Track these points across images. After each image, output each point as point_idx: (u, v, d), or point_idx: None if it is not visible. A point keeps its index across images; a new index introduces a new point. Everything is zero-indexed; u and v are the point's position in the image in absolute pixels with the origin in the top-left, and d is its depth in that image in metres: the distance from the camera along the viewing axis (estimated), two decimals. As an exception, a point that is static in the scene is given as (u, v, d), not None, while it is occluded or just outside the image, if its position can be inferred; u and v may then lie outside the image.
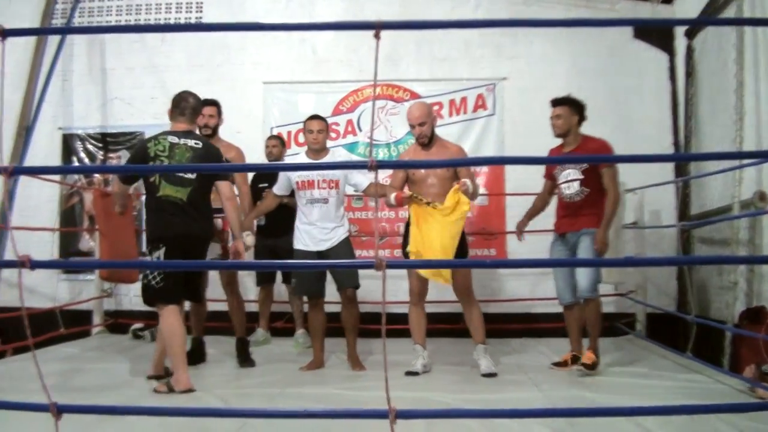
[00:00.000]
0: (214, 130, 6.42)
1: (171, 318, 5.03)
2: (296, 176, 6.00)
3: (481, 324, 5.88)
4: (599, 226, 5.67)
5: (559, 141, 5.96)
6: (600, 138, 5.82)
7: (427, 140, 5.82)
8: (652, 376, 5.56)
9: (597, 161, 5.69)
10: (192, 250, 5.18)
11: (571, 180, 5.80)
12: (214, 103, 6.46)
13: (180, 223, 5.11)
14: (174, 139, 5.21)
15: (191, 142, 5.24)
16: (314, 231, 5.95)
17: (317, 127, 6.01)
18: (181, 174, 5.12)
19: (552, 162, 6.13)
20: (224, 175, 5.36)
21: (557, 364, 6.02)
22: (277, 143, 7.67)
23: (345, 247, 6.01)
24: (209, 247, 5.88)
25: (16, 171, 2.76)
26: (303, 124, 6.13)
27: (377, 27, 2.45)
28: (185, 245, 5.13)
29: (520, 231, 6.30)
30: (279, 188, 6.24)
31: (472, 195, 5.65)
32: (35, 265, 2.71)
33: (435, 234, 5.55)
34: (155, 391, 5.00)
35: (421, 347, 5.91)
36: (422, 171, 5.85)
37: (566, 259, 5.76)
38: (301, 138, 8.69)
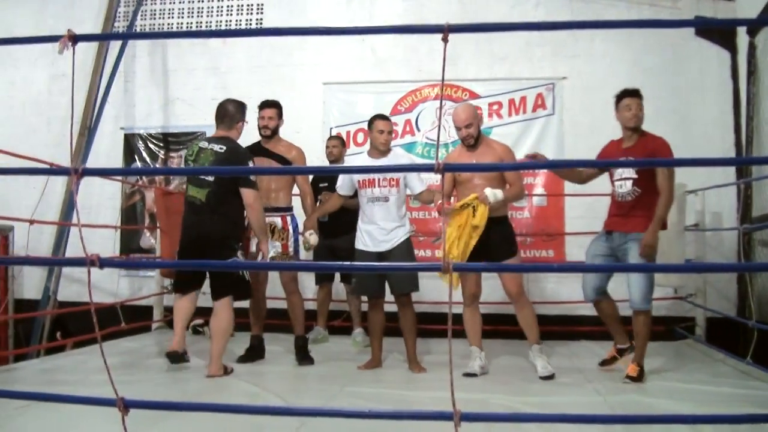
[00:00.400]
0: (274, 131, 6.40)
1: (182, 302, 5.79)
2: (358, 175, 6.03)
3: (534, 324, 5.84)
4: None
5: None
6: (660, 137, 5.65)
7: (473, 141, 5.82)
8: (711, 382, 5.44)
9: (654, 165, 5.55)
10: (203, 248, 5.45)
11: (624, 178, 5.63)
12: (274, 105, 6.44)
13: (194, 222, 5.58)
14: (204, 144, 5.69)
15: (216, 147, 5.59)
16: (374, 231, 5.94)
17: (388, 128, 6.05)
18: (201, 176, 5.54)
19: (597, 165, 5.93)
20: (246, 182, 5.54)
21: (604, 363, 5.96)
22: (337, 143, 7.71)
23: (405, 249, 5.98)
24: (270, 245, 6.01)
25: (84, 172, 2.82)
26: (369, 123, 6.11)
27: (445, 30, 2.46)
28: (197, 243, 5.52)
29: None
30: (342, 188, 6.23)
31: (508, 200, 5.72)
32: (104, 264, 2.76)
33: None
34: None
35: (477, 349, 5.89)
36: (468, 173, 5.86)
37: (628, 264, 5.57)
38: (360, 138, 8.75)
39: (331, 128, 9.02)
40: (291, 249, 6.30)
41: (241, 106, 5.88)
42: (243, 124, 5.96)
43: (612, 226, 5.73)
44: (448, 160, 6.32)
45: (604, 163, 6.04)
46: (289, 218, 6.35)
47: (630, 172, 5.61)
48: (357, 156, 8.11)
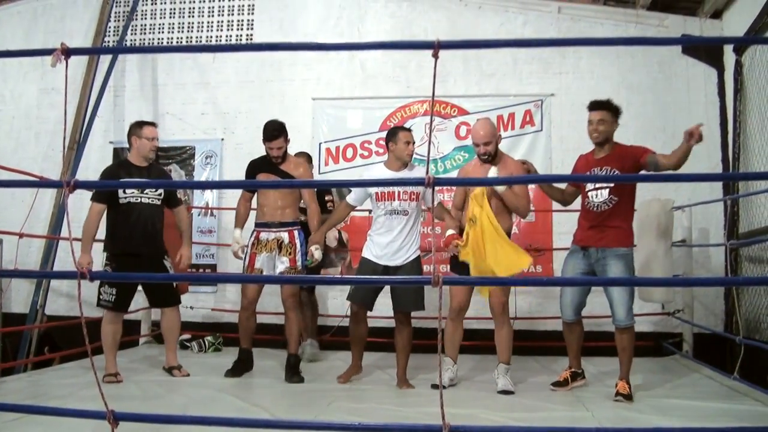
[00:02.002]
0: (283, 158, 6.30)
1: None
2: (375, 188, 5.97)
3: (509, 345, 5.83)
4: (628, 245, 5.52)
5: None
6: (632, 145, 5.62)
7: (489, 158, 5.79)
8: (699, 397, 5.45)
9: (638, 180, 5.52)
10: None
11: (599, 188, 5.53)
12: (280, 134, 6.23)
13: None
14: None
15: None
16: (388, 244, 5.89)
17: (413, 139, 6.02)
18: None
19: (591, 180, 5.69)
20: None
21: (557, 384, 5.84)
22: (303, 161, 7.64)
23: (416, 267, 5.97)
24: (277, 260, 6.19)
25: (77, 185, 2.83)
26: (391, 136, 6.03)
27: (436, 46, 2.49)
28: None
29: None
30: (354, 199, 6.16)
31: (510, 202, 5.73)
32: (94, 276, 2.77)
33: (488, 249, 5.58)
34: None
35: (451, 361, 5.94)
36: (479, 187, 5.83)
37: (622, 278, 5.53)
38: (349, 153, 8.79)
39: (320, 143, 9.05)
40: (299, 264, 6.25)
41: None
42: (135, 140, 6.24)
43: (587, 241, 5.61)
44: (463, 171, 6.35)
45: (589, 179, 5.77)
46: (296, 233, 6.29)
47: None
48: (372, 167, 8.12)
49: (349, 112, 9.12)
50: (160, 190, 6.25)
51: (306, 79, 9.27)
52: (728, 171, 8.14)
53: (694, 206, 7.55)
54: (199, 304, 8.47)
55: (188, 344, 7.94)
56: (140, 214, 6.11)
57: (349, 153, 8.85)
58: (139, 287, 6.60)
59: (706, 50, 8.54)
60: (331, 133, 9.09)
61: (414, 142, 6.07)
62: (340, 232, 7.74)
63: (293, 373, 6.16)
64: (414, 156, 8.19)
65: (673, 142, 8.10)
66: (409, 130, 6.14)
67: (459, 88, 8.86)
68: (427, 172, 2.62)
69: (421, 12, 9.14)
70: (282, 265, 6.22)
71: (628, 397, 5.34)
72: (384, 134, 8.48)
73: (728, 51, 8.30)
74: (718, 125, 8.43)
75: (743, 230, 7.65)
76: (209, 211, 8.82)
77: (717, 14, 8.54)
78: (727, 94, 8.37)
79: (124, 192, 6.08)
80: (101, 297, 6.04)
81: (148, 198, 6.16)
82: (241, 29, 9.50)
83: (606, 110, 5.56)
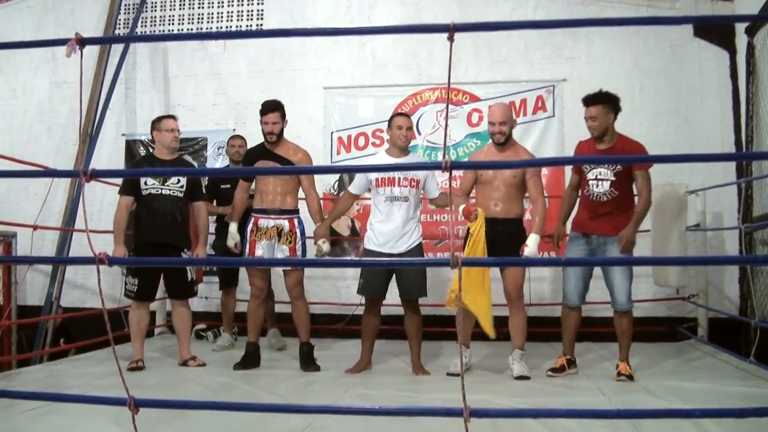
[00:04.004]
0: (279, 135, 6.27)
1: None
2: (375, 173, 5.99)
3: (523, 331, 5.86)
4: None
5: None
6: (637, 141, 5.67)
7: (504, 139, 5.81)
8: (715, 381, 5.45)
9: (642, 161, 5.54)
10: None
11: (601, 179, 5.63)
12: (276, 108, 6.26)
13: None
14: None
15: None
16: (390, 232, 5.89)
17: (408, 124, 6.00)
18: None
19: (596, 162, 5.73)
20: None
21: (554, 370, 5.84)
22: (243, 143, 7.62)
23: (418, 254, 5.97)
24: (277, 248, 6.21)
25: (94, 174, 2.84)
26: (389, 122, 6.06)
27: (451, 29, 2.48)
28: None
29: (558, 238, 6.06)
30: (356, 187, 6.18)
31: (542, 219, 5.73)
32: (113, 261, 2.78)
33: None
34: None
35: (464, 347, 5.96)
36: (490, 173, 5.83)
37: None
38: (361, 141, 8.79)
39: (332, 132, 9.05)
40: (299, 252, 6.22)
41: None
42: (156, 134, 6.43)
43: (589, 228, 5.73)
44: (475, 157, 6.34)
45: (606, 160, 5.80)
46: (296, 221, 6.25)
47: (607, 174, 5.61)
48: (374, 156, 8.11)
49: (360, 101, 9.09)
50: (182, 182, 6.35)
51: (317, 68, 9.26)
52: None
53: (707, 190, 7.52)
54: (213, 294, 8.46)
55: (203, 334, 7.96)
56: (161, 205, 6.25)
57: (361, 141, 8.85)
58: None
59: (717, 33, 8.48)
60: (343, 121, 9.08)
61: (411, 127, 6.06)
62: (352, 221, 7.74)
63: (309, 362, 6.14)
64: (426, 143, 8.22)
65: (686, 127, 8.17)
66: (405, 115, 6.18)
67: (470, 74, 8.81)
68: (444, 157, 2.61)
69: (431, -1, 9.11)
70: (282, 254, 6.18)
71: (630, 377, 5.47)
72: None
73: (740, 33, 8.23)
74: (731, 108, 8.37)
75: (757, 213, 7.60)
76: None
77: (728, -4, 8.49)
78: (740, 76, 8.30)
79: (146, 184, 6.24)
80: (126, 287, 6.33)
81: (169, 189, 6.29)
82: (251, 19, 9.48)
83: (598, 104, 5.60)
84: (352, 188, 6.22)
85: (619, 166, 5.54)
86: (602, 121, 5.58)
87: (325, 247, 6.07)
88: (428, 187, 6.06)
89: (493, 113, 5.85)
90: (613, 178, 5.58)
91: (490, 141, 6.00)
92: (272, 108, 6.26)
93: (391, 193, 5.90)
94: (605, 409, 4.23)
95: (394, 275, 6.01)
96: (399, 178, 5.89)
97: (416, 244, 5.96)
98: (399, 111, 6.28)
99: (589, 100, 5.64)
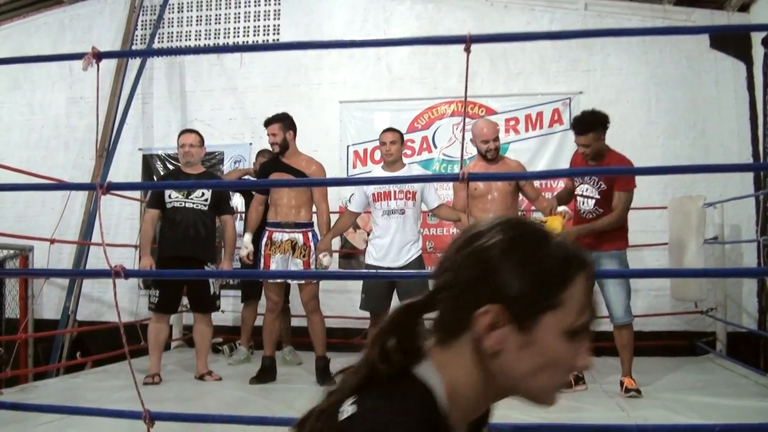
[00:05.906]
0: (283, 145, 6.25)
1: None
2: (372, 188, 6.01)
3: None
4: (621, 247, 5.60)
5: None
6: (625, 157, 5.63)
7: (497, 155, 5.90)
8: (734, 396, 5.38)
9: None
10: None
11: (586, 196, 5.65)
12: (274, 120, 6.31)
13: None
14: None
15: None
16: (388, 245, 5.92)
17: (390, 139, 6.05)
18: None
19: (595, 173, 5.75)
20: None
21: None
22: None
23: (417, 267, 5.95)
24: (291, 262, 6.19)
25: (110, 187, 2.85)
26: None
27: (468, 41, 2.48)
28: None
29: (552, 208, 5.86)
30: (355, 205, 6.24)
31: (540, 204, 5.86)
32: (129, 274, 2.79)
33: None
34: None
35: None
36: (482, 186, 5.84)
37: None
38: (377, 156, 8.80)
39: (348, 146, 9.07)
40: (313, 266, 6.20)
41: None
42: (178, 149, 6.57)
43: (582, 244, 5.50)
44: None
45: (623, 171, 5.72)
46: (310, 234, 6.26)
47: (592, 192, 5.62)
48: (371, 173, 8.13)
49: (376, 114, 9.09)
50: (207, 196, 6.38)
51: (333, 82, 9.28)
52: (759, 167, 8.07)
53: (725, 202, 7.47)
54: (229, 308, 8.46)
55: (220, 348, 7.96)
56: (183, 218, 6.28)
57: (377, 155, 8.85)
58: None
59: (734, 44, 8.44)
60: (359, 135, 9.08)
61: (395, 142, 6.09)
62: (368, 234, 7.74)
63: (325, 376, 6.07)
64: (442, 156, 8.23)
65: (703, 139, 8.13)
66: (390, 130, 6.20)
67: (486, 88, 8.80)
68: (461, 167, 2.61)
69: (446, 13, 9.10)
70: (296, 267, 6.17)
71: (637, 391, 5.40)
72: (412, 136, 8.57)
73: (756, 44, 8.20)
74: (748, 120, 8.32)
75: (776, 226, 7.58)
76: (237, 215, 8.81)
77: (744, 8, 8.44)
78: (757, 87, 8.27)
79: (170, 197, 6.32)
80: (150, 299, 6.40)
81: (193, 203, 6.33)
82: (268, 34, 9.52)
83: (587, 133, 5.53)
84: (352, 206, 6.32)
85: (603, 185, 5.52)
86: (594, 147, 5.54)
87: (326, 260, 6.09)
88: (426, 197, 6.08)
89: (485, 132, 5.91)
90: (598, 197, 5.60)
91: (477, 156, 6.06)
92: (269, 122, 6.34)
93: (388, 207, 5.95)
94: (624, 424, 4.19)
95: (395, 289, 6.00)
96: (394, 191, 5.94)
97: (415, 257, 5.97)
98: (388, 127, 6.26)
99: (578, 129, 5.59)
